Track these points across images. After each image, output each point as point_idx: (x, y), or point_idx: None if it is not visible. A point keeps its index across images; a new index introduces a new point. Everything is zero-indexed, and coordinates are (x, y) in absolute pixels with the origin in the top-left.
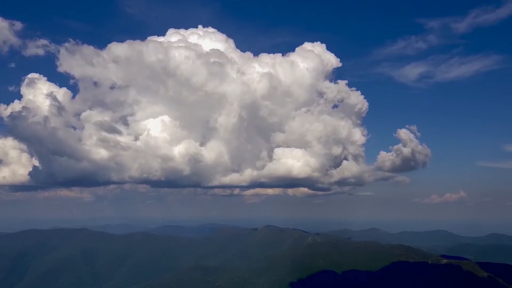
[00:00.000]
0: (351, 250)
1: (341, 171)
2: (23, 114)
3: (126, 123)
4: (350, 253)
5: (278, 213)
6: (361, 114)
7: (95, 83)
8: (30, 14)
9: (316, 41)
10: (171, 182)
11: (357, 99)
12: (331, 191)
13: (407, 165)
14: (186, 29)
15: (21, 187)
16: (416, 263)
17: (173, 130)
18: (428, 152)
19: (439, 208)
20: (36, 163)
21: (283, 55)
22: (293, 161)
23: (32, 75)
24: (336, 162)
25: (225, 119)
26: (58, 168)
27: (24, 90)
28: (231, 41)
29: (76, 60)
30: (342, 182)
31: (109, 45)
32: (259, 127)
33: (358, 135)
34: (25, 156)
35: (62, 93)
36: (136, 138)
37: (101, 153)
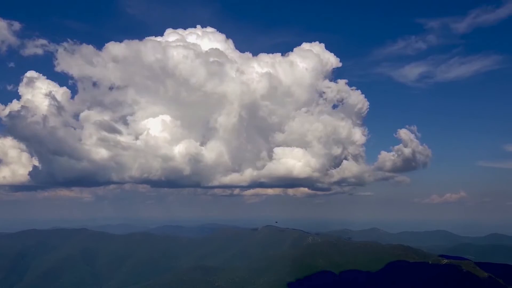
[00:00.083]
0: (351, 250)
1: (341, 171)
2: (22, 113)
3: (126, 123)
4: (350, 253)
5: (278, 213)
6: (362, 114)
7: (94, 83)
8: (30, 14)
9: (316, 41)
10: (171, 182)
11: (357, 99)
12: (331, 191)
13: (407, 165)
14: (185, 29)
15: (21, 187)
16: (416, 263)
17: (174, 130)
18: (429, 153)
19: (439, 208)
20: (36, 163)
21: (282, 55)
22: (294, 161)
23: (31, 74)
24: (336, 162)
25: (225, 119)
26: (58, 168)
27: (23, 89)
28: (230, 41)
29: (75, 59)
30: (342, 182)
31: (106, 45)
32: (259, 127)
33: (358, 135)
34: (25, 156)
35: (61, 93)
36: (136, 138)
37: (101, 153)
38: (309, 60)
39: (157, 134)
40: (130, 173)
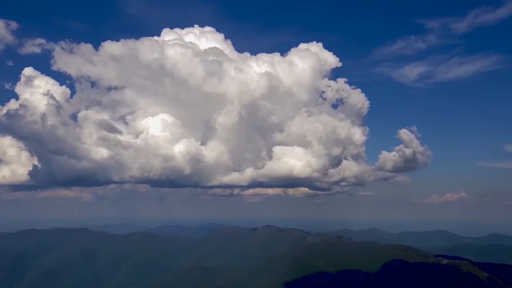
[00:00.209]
0: (351, 250)
1: (341, 171)
2: (20, 112)
3: (125, 122)
4: (350, 253)
5: (278, 213)
6: (362, 113)
7: (93, 82)
8: (29, 14)
9: (317, 41)
10: (171, 182)
11: (357, 98)
12: (331, 191)
13: (408, 165)
14: (182, 28)
15: (21, 187)
16: (416, 263)
17: (174, 129)
18: (430, 153)
19: (439, 208)
20: (36, 162)
21: (281, 55)
22: (294, 160)
23: (29, 71)
24: (336, 162)
25: (225, 118)
26: (57, 168)
27: (21, 87)
28: (228, 41)
29: (73, 58)
30: (342, 182)
31: (103, 44)
32: (259, 126)
33: (358, 135)
34: (24, 155)
35: (60, 92)
36: (136, 137)
37: (101, 152)
38: (308, 59)
39: (157, 134)
40: (130, 172)
